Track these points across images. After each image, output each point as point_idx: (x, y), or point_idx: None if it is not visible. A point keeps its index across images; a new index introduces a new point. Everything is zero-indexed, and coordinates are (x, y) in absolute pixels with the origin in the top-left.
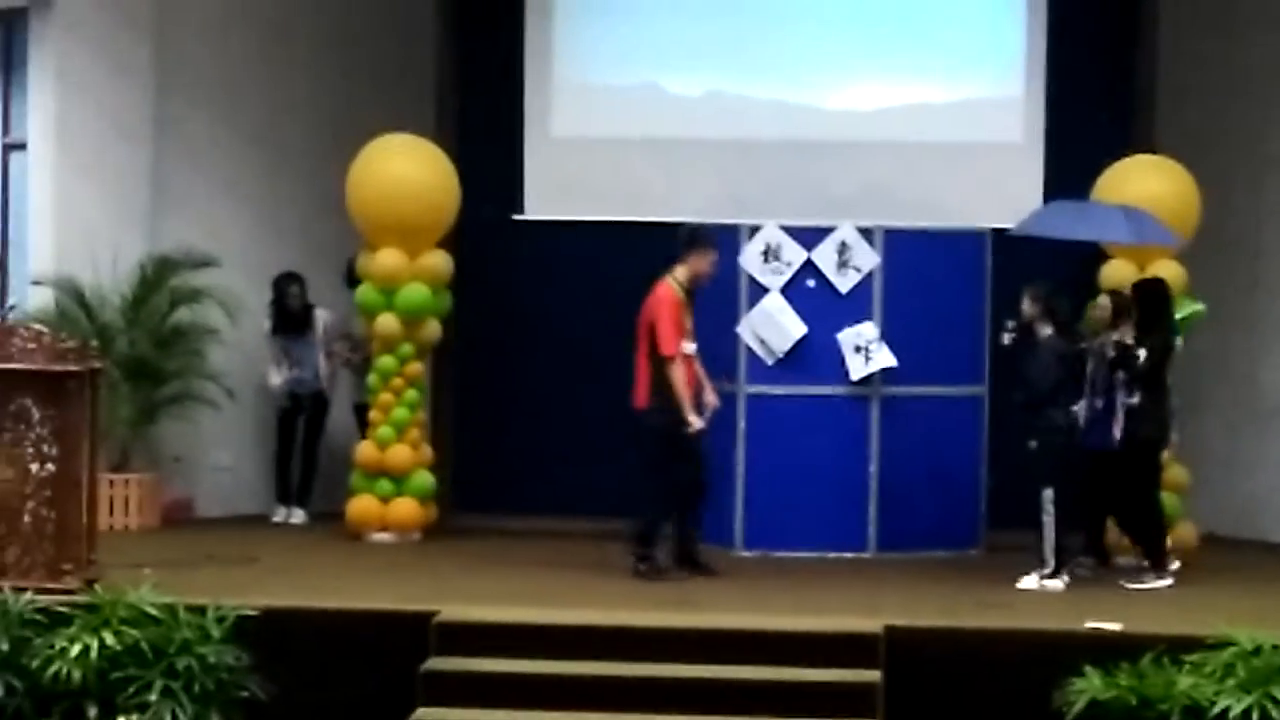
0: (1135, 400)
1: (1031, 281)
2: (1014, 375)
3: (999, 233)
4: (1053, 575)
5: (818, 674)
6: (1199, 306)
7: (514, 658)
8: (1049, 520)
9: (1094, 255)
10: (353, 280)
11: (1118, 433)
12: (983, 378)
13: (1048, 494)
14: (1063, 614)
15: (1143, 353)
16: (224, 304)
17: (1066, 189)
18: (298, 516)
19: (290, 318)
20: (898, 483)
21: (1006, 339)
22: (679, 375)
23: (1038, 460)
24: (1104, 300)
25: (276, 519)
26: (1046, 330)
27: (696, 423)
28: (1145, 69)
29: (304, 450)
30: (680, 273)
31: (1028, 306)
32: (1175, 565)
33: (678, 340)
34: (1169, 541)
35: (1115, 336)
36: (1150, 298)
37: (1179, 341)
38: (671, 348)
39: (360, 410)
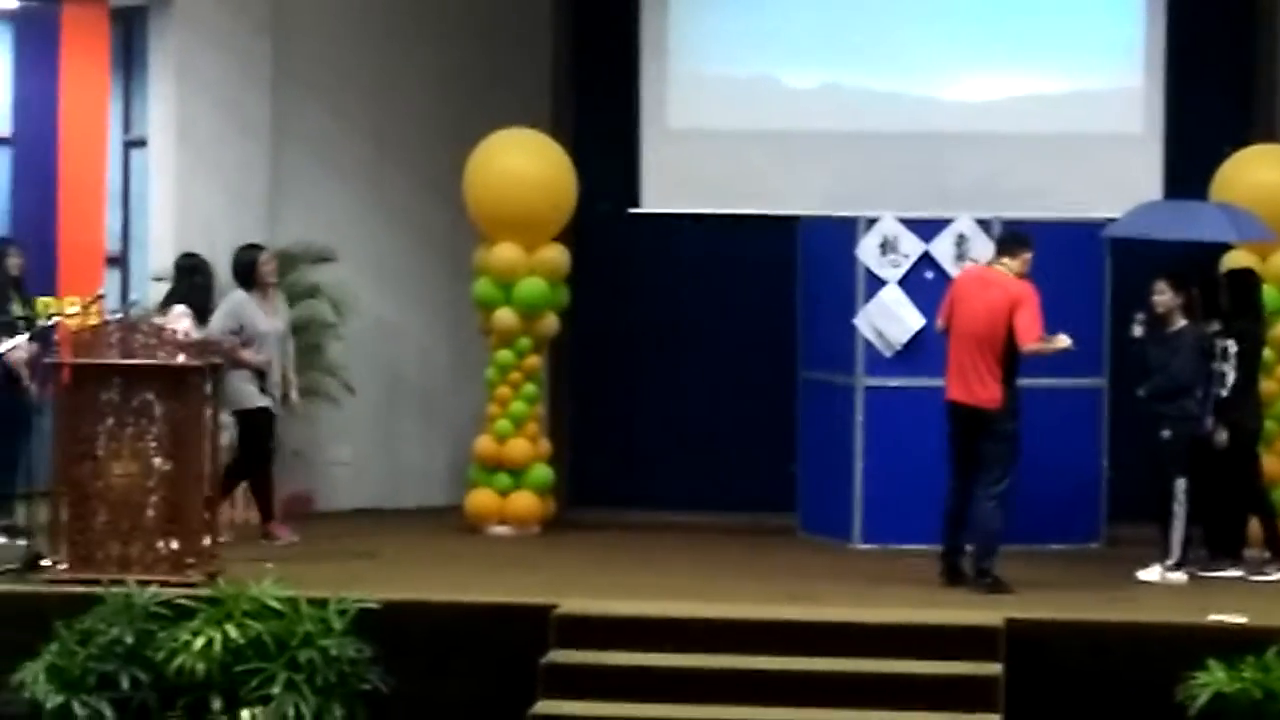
0: (1226, 391)
1: (1166, 271)
2: (1144, 366)
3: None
4: (1176, 567)
5: (938, 667)
6: None
7: (634, 650)
8: (1180, 510)
9: (1218, 246)
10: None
11: (1209, 424)
12: (1102, 369)
13: (1180, 484)
14: (1185, 607)
15: (1232, 343)
16: (335, 300)
17: (1186, 179)
18: None
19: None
20: (1017, 475)
21: (1137, 330)
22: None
23: (1170, 450)
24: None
25: None
26: (1182, 320)
27: (1067, 340)
28: (1265, 56)
29: None
30: (1016, 266)
31: (1164, 296)
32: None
33: None
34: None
35: (1213, 327)
36: (1240, 286)
37: None
38: (1040, 330)
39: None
